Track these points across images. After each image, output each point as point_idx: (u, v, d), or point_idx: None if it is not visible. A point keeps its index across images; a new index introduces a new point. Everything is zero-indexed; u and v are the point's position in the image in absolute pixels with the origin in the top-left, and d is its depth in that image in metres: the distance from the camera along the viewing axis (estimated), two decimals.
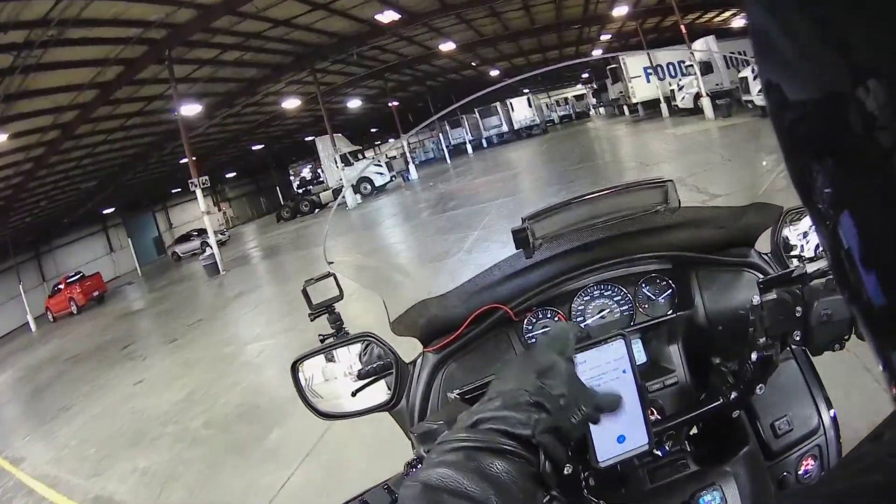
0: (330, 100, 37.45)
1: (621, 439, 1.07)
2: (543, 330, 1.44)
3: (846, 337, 1.14)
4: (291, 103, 33.79)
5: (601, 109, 56.12)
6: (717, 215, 1.65)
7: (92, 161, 28.76)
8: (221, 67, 24.00)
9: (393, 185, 37.77)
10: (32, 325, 31.72)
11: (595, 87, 55.32)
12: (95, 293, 31.22)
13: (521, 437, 0.74)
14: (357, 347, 1.46)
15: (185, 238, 40.22)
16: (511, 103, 50.44)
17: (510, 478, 0.68)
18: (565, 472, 0.82)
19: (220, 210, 59.56)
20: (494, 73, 47.62)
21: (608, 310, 1.48)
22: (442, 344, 1.42)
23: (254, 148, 48.54)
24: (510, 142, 48.52)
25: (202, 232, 39.11)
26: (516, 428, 0.74)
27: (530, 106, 50.90)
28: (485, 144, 52.37)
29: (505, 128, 51.79)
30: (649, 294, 1.49)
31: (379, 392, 1.43)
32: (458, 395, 1.30)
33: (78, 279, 31.72)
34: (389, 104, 42.29)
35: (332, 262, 1.55)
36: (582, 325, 1.45)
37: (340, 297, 1.51)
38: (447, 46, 33.28)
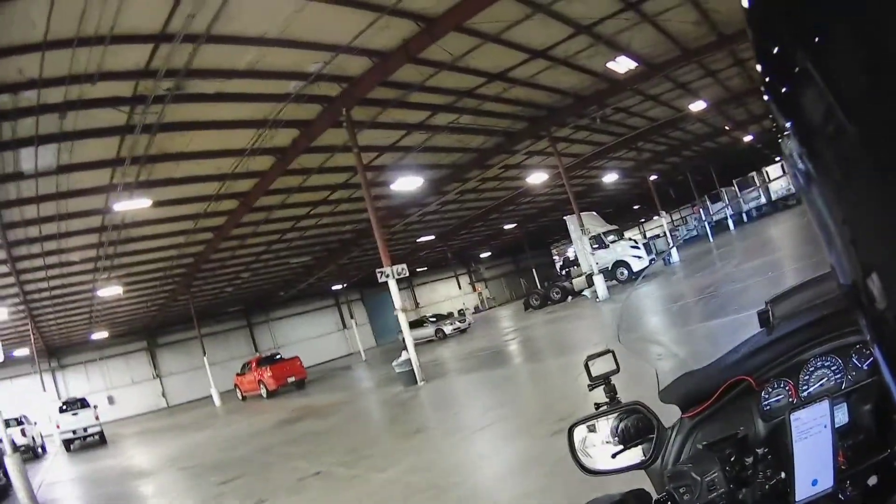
0: (578, 173, 34.74)
1: (815, 482, 1.32)
2: (777, 398, 1.61)
3: None
4: (537, 177, 30.77)
5: None
6: None
7: (299, 235, 28.48)
8: (436, 133, 21.09)
9: (652, 269, 31.76)
10: (217, 399, 31.88)
11: None
12: (291, 378, 28.82)
13: None
14: (624, 414, 1.65)
15: (419, 324, 36.57)
16: (767, 172, 46.76)
17: None
18: None
19: (475, 290, 60.96)
20: (748, 138, 43.26)
21: (826, 378, 1.62)
22: (698, 410, 1.63)
23: (506, 227, 46.82)
24: (768, 214, 44.23)
25: (442, 318, 37.91)
26: None
27: (784, 173, 43.75)
28: (745, 218, 47.23)
29: (763, 199, 47.33)
30: (856, 362, 1.62)
31: (636, 453, 1.62)
32: (704, 445, 1.48)
33: (270, 360, 30.07)
34: (646, 177, 39.85)
35: (620, 342, 1.87)
36: (805, 392, 1.60)
37: (617, 370, 1.72)
38: (697, 106, 28.26)
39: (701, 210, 49.83)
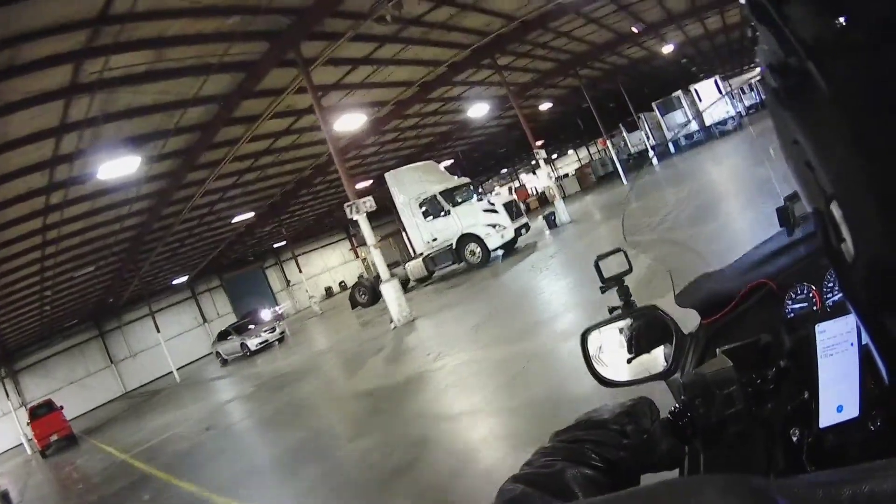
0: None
1: (840, 409, 1.20)
2: (801, 305, 1.49)
3: None
4: (479, 109, 29.83)
5: None
6: None
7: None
8: (377, 69, 19.96)
9: (529, 239, 24.15)
10: (27, 448, 27.26)
11: None
12: (53, 437, 23.40)
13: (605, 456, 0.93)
14: (640, 318, 1.52)
15: (224, 336, 30.34)
16: (696, 90, 39.01)
17: (581, 485, 0.84)
18: (792, 437, 1.16)
19: (357, 256, 50.01)
20: (668, 48, 35.95)
21: None
22: (718, 316, 1.52)
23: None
24: (702, 143, 36.94)
25: (242, 329, 29.92)
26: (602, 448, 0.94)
27: (721, 92, 39.83)
28: (672, 149, 39.26)
29: (693, 125, 39.06)
30: None
31: (654, 361, 1.50)
32: (723, 351, 1.34)
33: (35, 414, 24.54)
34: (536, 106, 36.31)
35: (626, 240, 1.75)
36: (830, 301, 1.48)
37: (629, 270, 1.61)
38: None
39: (608, 143, 41.55)
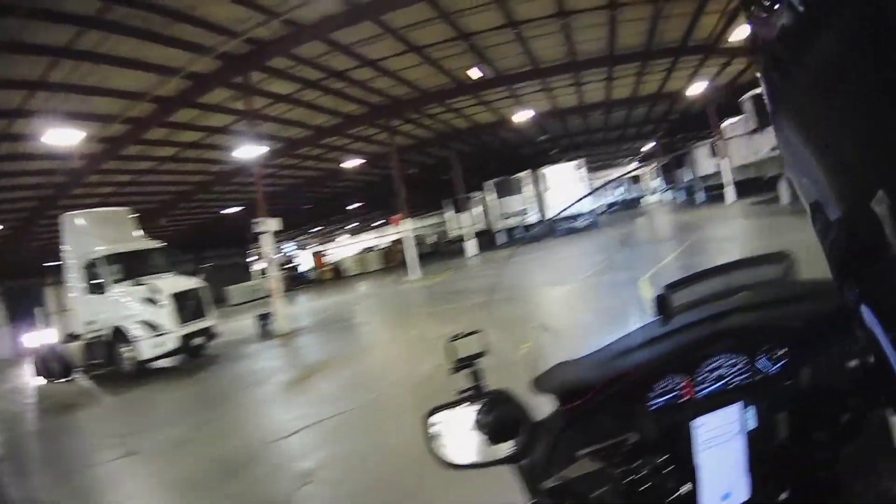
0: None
1: (727, 496, 1.29)
2: (669, 396, 1.47)
3: None
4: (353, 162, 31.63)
5: (669, 194, 45.09)
6: (831, 287, 1.33)
7: None
8: (293, 108, 22.24)
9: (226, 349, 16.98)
10: None
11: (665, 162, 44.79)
12: None
13: None
14: (490, 402, 1.43)
15: None
16: (546, 174, 33.40)
17: None
18: None
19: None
20: (523, 114, 30.24)
21: (728, 378, 1.52)
22: (575, 405, 1.45)
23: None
24: (537, 239, 29.30)
25: None
26: None
27: (580, 181, 32.80)
28: (503, 240, 34.18)
29: (532, 216, 33.33)
30: (766, 364, 1.54)
31: (507, 446, 1.41)
32: (584, 454, 1.30)
33: None
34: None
35: (480, 328, 1.57)
36: (702, 392, 1.48)
37: (483, 353, 1.53)
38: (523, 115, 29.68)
39: (401, 221, 29.01)
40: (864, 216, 0.46)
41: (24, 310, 31.35)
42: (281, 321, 18.06)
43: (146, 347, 15.01)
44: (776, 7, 0.52)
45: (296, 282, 47.61)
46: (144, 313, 15.18)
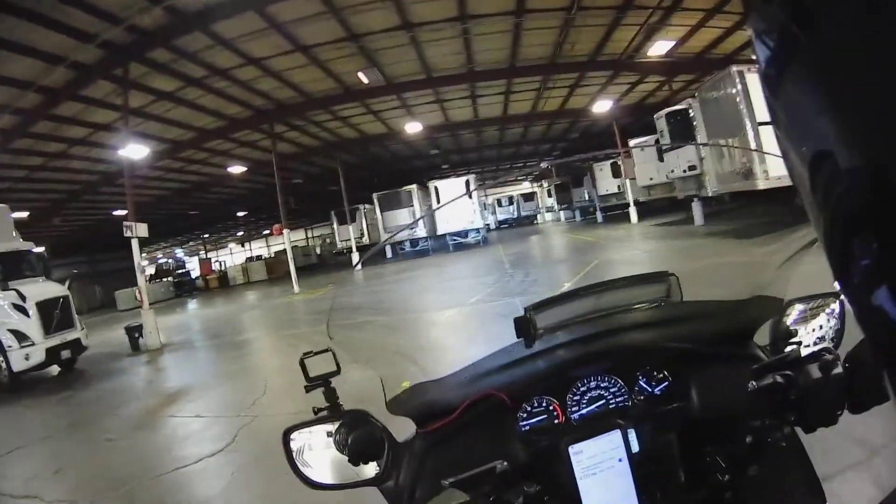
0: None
1: None
2: (538, 419, 1.47)
3: (839, 413, 1.21)
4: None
5: (562, 213, 46.44)
6: (719, 309, 1.69)
7: None
8: (177, 107, 21.39)
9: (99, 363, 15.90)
10: None
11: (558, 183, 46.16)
12: None
13: None
14: (348, 422, 1.41)
15: None
16: (437, 188, 32.93)
17: None
18: None
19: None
20: (412, 126, 30.16)
21: (604, 400, 1.50)
22: (436, 427, 1.44)
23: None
24: (426, 253, 30.77)
25: None
26: None
27: (469, 196, 31.92)
28: (388, 255, 33.67)
29: (420, 231, 32.49)
30: (646, 386, 1.51)
31: (370, 467, 1.41)
32: (450, 483, 1.21)
33: None
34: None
35: (332, 339, 1.57)
36: (576, 415, 1.48)
37: (337, 372, 1.50)
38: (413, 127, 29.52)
39: (282, 232, 29.20)
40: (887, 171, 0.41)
41: None
42: (153, 334, 17.05)
43: (17, 360, 13.79)
44: None
45: (184, 287, 47.57)
46: (15, 321, 14.00)
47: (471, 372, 1.58)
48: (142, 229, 17.43)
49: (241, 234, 64.66)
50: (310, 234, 65.25)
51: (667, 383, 1.52)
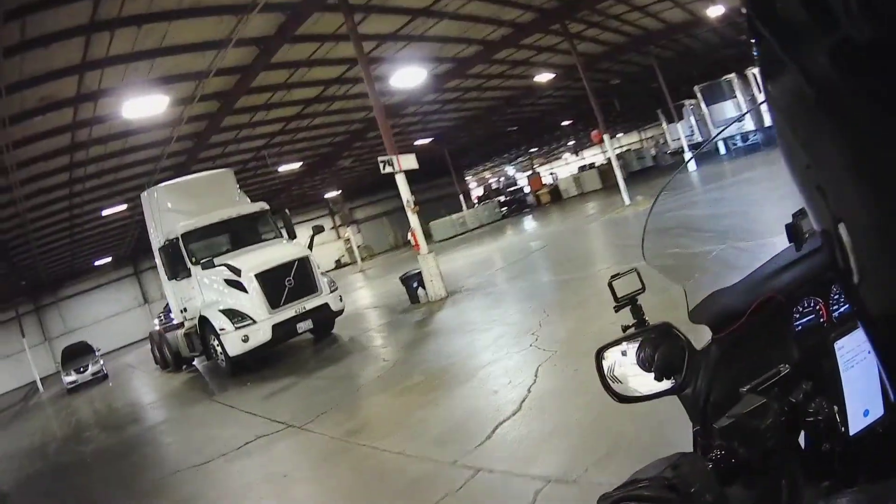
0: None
1: (866, 413, 1.28)
2: (808, 318, 1.49)
3: None
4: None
5: None
6: None
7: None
8: (439, 21, 18.67)
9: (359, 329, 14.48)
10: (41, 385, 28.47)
11: None
12: None
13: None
14: (652, 337, 1.48)
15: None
16: (755, 76, 25.78)
17: None
18: (823, 447, 1.20)
19: (339, 237, 48.85)
20: (716, 10, 25.32)
21: None
22: (729, 331, 1.48)
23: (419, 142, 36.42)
24: (757, 147, 25.31)
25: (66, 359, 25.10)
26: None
27: None
28: (724, 150, 26.92)
29: (749, 123, 26.96)
30: None
31: (669, 377, 1.47)
32: (748, 389, 1.31)
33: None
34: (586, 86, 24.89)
35: (646, 262, 1.67)
36: (837, 313, 1.50)
37: (642, 290, 1.58)
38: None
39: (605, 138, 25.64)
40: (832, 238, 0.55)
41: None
42: (434, 282, 14.90)
43: (233, 342, 12.30)
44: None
45: (512, 206, 47.60)
46: (230, 299, 12.66)
47: (753, 278, 1.58)
48: (408, 161, 15.16)
49: (572, 143, 61.23)
50: (643, 136, 60.84)
51: None
